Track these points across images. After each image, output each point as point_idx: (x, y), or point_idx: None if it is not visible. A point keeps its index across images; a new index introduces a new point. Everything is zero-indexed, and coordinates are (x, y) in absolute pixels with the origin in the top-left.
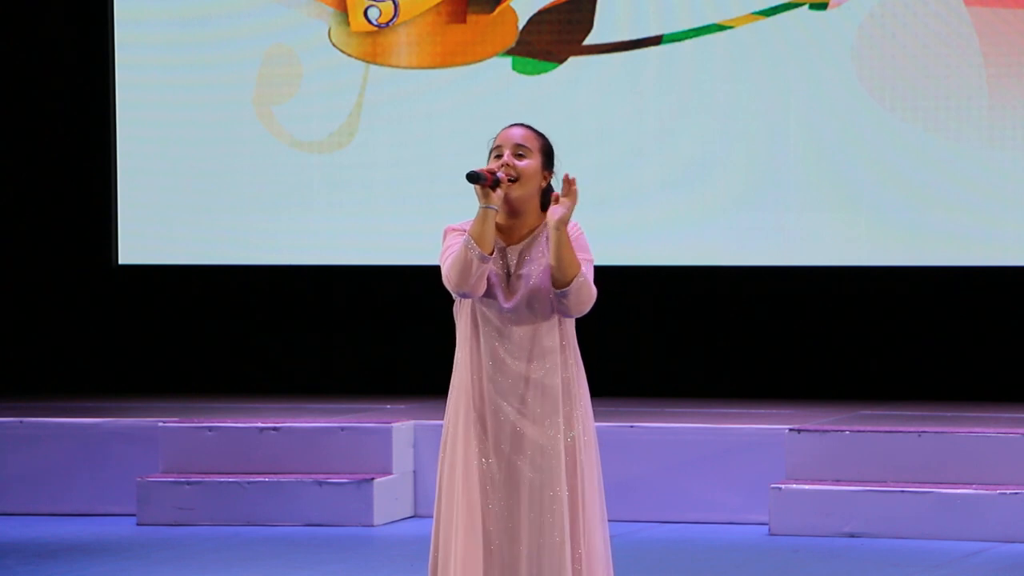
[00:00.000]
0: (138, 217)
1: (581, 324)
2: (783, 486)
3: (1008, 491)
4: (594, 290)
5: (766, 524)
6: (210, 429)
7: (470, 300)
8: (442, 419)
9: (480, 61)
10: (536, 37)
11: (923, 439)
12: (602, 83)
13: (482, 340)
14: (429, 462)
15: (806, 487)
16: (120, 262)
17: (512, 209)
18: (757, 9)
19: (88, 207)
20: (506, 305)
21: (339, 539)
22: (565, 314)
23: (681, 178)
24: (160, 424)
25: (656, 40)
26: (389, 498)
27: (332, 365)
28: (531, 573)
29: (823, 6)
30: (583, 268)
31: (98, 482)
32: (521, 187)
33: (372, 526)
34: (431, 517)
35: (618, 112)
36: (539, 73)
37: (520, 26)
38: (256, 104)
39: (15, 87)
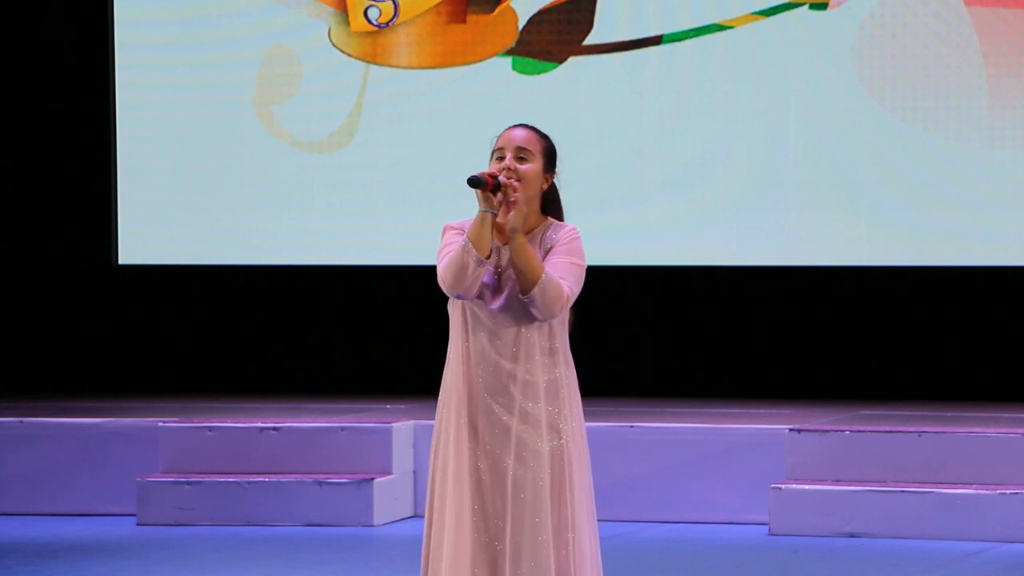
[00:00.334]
0: (138, 217)
1: (581, 324)
2: (783, 486)
3: (1008, 491)
4: (564, 293)
5: (766, 524)
6: (210, 429)
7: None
8: None
9: (480, 61)
10: (536, 37)
11: (923, 439)
12: (602, 83)
13: (472, 338)
14: (429, 462)
15: (806, 487)
16: (120, 262)
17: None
18: (757, 9)
19: (88, 207)
20: (491, 305)
21: (339, 539)
22: (538, 318)
23: (681, 178)
24: (160, 424)
25: (656, 40)
26: (389, 498)
27: (332, 365)
28: (516, 572)
29: (823, 6)
30: (560, 272)
31: (98, 482)
32: (522, 190)
33: (372, 526)
34: None
35: (618, 112)
36: (539, 73)
37: (520, 26)
38: (256, 104)
39: (15, 87)
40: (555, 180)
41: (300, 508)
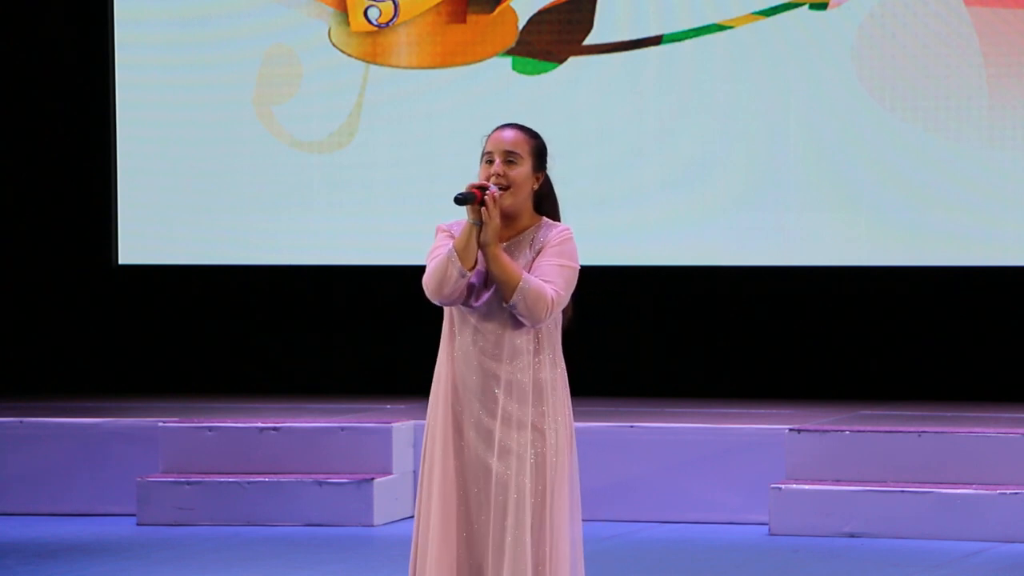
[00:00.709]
0: (138, 217)
1: (581, 324)
2: (783, 486)
3: (1008, 491)
4: (547, 297)
5: (766, 524)
6: (210, 429)
7: None
8: None
9: (480, 61)
10: (536, 37)
11: (923, 439)
12: (602, 83)
13: (459, 338)
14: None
15: (806, 487)
16: (120, 262)
17: (505, 214)
18: (757, 9)
19: (88, 207)
20: (474, 303)
21: (339, 539)
22: (526, 323)
23: (681, 178)
24: (160, 424)
25: (656, 40)
26: (389, 498)
27: (332, 365)
28: (496, 571)
29: (823, 6)
30: (546, 275)
31: (98, 482)
32: (512, 195)
33: (372, 526)
34: None
35: (618, 112)
36: (539, 73)
37: (520, 26)
38: (256, 104)
39: (15, 87)
40: (548, 175)
41: (300, 508)
